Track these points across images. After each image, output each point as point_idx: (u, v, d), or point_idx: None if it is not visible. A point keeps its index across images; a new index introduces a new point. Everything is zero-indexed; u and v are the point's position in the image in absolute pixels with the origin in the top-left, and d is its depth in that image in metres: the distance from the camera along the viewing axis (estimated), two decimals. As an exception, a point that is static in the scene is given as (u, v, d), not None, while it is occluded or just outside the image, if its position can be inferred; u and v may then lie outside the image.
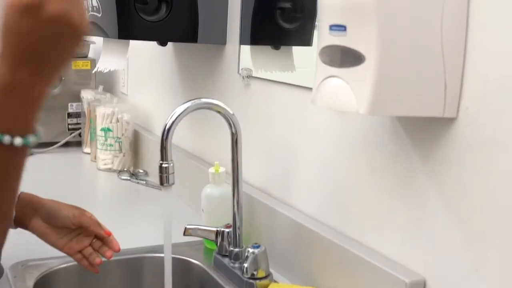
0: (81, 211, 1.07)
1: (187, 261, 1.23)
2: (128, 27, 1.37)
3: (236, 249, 1.14)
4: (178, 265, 1.22)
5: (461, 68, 0.80)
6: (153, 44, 1.55)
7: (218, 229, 1.18)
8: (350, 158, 1.03)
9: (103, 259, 1.08)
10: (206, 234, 1.19)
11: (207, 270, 1.19)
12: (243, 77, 1.36)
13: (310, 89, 1.09)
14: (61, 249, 1.06)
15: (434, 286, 0.86)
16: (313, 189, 1.13)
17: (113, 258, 1.10)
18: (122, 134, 1.92)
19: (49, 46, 0.60)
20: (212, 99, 1.12)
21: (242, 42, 1.39)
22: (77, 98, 2.20)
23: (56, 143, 2.18)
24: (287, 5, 1.27)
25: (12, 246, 0.86)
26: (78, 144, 2.23)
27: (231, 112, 1.11)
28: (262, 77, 1.30)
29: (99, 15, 1.43)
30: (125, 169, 1.91)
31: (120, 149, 1.92)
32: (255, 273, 1.07)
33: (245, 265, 1.05)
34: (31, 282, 1.09)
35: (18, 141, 0.61)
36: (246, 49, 1.38)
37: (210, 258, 1.22)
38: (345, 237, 1.03)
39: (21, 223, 1.06)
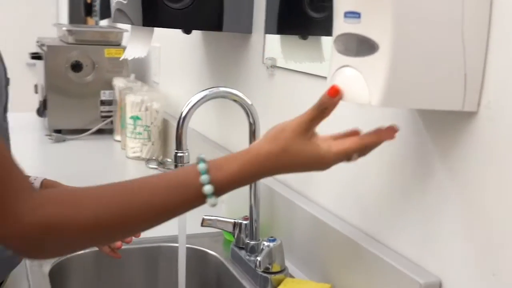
0: None
1: (204, 252, 1.22)
2: (152, 14, 1.36)
3: (252, 242, 1.12)
4: (195, 256, 1.21)
5: (483, 59, 0.76)
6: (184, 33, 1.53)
7: (235, 220, 1.17)
8: (373, 152, 1.00)
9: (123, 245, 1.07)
10: (223, 226, 1.18)
11: (224, 262, 1.18)
12: (267, 66, 1.33)
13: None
14: None
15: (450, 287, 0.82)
16: (333, 184, 1.10)
17: (130, 246, 1.09)
18: (151, 123, 1.92)
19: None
20: (231, 88, 1.10)
21: (267, 31, 1.36)
22: (110, 86, 2.21)
23: (89, 130, 2.19)
24: (316, -7, 1.24)
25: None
26: (110, 131, 2.24)
27: (249, 101, 1.08)
28: (286, 67, 1.27)
29: (125, 2, 1.42)
30: (154, 157, 1.91)
31: (149, 138, 1.92)
32: (269, 266, 1.05)
33: (259, 258, 1.03)
34: (47, 268, 1.10)
35: (213, 201, 0.71)
36: (271, 38, 1.35)
37: (228, 250, 1.20)
38: (363, 234, 1.00)
39: None
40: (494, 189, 0.75)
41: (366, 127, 0.99)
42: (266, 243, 1.05)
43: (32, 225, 0.64)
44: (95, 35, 2.26)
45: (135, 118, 1.91)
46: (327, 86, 0.83)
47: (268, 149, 0.75)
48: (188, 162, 1.02)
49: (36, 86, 2.44)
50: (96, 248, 1.10)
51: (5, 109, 1.03)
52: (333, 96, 0.76)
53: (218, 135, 1.65)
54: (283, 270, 1.07)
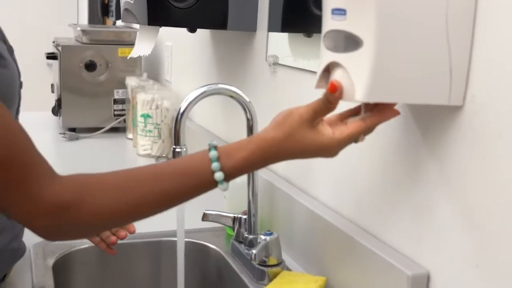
0: None
1: (205, 246, 1.24)
2: (157, 13, 1.38)
3: (251, 236, 1.14)
4: (196, 250, 1.23)
5: (468, 54, 0.77)
6: (196, 31, 1.56)
7: (235, 215, 1.19)
8: (365, 147, 1.01)
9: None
10: (224, 220, 1.20)
11: (224, 256, 1.20)
12: (269, 64, 1.35)
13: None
14: None
15: (438, 279, 0.83)
16: (330, 178, 1.12)
17: (133, 241, 1.12)
18: (162, 121, 1.95)
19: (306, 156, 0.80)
20: (236, 85, 1.12)
21: (271, 29, 1.38)
22: (123, 85, 2.25)
23: (102, 128, 2.23)
24: (321, -8, 1.25)
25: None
26: (123, 130, 2.27)
27: (247, 98, 1.10)
28: (289, 64, 1.29)
29: (132, 2, 1.45)
30: (164, 155, 1.94)
31: (159, 135, 1.95)
32: (266, 260, 1.07)
33: (254, 251, 1.04)
34: (51, 261, 1.13)
35: (224, 186, 0.75)
36: (274, 36, 1.37)
37: (229, 244, 1.22)
38: (357, 228, 1.01)
39: None
40: (479, 182, 0.76)
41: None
42: (263, 237, 1.07)
43: (52, 207, 0.68)
44: (109, 35, 2.30)
45: (146, 116, 1.94)
46: (316, 82, 0.84)
47: (273, 134, 0.78)
48: (187, 157, 1.04)
49: (52, 85, 2.49)
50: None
51: (17, 111, 1.06)
52: (333, 92, 0.78)
53: (224, 131, 1.67)
54: (280, 263, 1.08)
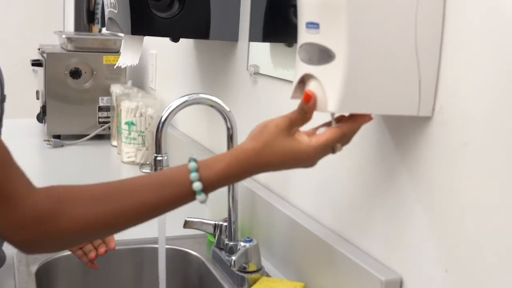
0: None
1: (186, 253, 1.26)
2: (141, 23, 1.40)
3: (231, 243, 1.16)
4: (178, 256, 1.25)
5: (436, 66, 0.80)
6: (180, 40, 1.58)
7: (216, 222, 1.21)
8: (341, 157, 1.03)
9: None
10: (205, 227, 1.22)
11: (205, 263, 1.22)
12: (250, 73, 1.37)
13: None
14: None
15: (410, 284, 0.86)
16: (309, 187, 1.14)
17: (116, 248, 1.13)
18: (146, 128, 1.97)
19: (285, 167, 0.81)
20: (217, 94, 1.14)
21: (252, 39, 1.40)
22: (108, 92, 2.26)
23: (87, 135, 2.25)
24: (301, 2, 1.27)
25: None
26: (108, 137, 2.29)
27: (227, 108, 1.13)
28: (269, 74, 1.32)
29: (116, 11, 1.47)
30: (148, 162, 1.96)
31: (144, 143, 1.97)
32: (246, 266, 1.09)
33: (233, 258, 1.06)
34: (34, 268, 1.14)
35: (202, 197, 0.76)
36: (255, 46, 1.39)
37: (210, 251, 1.24)
38: (334, 235, 1.04)
39: None
40: (446, 189, 0.79)
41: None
42: (242, 244, 1.09)
43: (30, 219, 0.69)
44: (94, 43, 2.32)
45: (130, 124, 1.96)
46: (291, 93, 0.87)
47: (252, 145, 0.79)
48: (168, 166, 1.06)
49: (37, 92, 2.50)
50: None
51: (0, 124, 1.07)
52: (308, 101, 0.80)
53: (207, 139, 1.69)
54: (259, 269, 1.11)
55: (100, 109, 2.29)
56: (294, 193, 1.20)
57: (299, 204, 1.17)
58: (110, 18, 1.54)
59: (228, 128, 1.13)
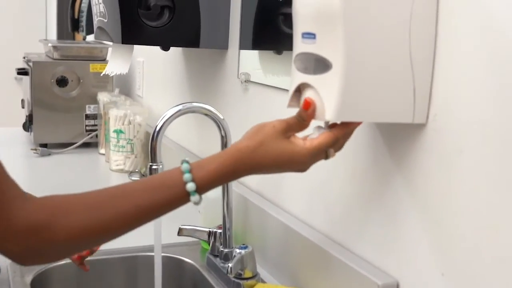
0: None
1: (181, 260, 1.27)
2: (131, 32, 1.41)
3: (226, 250, 1.17)
4: (172, 264, 1.26)
5: (430, 75, 0.82)
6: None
7: (210, 229, 1.22)
8: (335, 162, 1.05)
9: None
10: (199, 235, 1.23)
11: (199, 270, 1.23)
12: (241, 81, 1.39)
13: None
14: None
15: (406, 289, 0.88)
16: (302, 193, 1.16)
17: (109, 257, 1.13)
18: (134, 136, 1.97)
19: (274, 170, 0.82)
20: (205, 103, 1.15)
21: (242, 47, 1.42)
22: (94, 100, 2.26)
23: (74, 143, 2.24)
24: (290, 10, 1.29)
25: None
26: (95, 145, 2.28)
27: (220, 116, 1.14)
28: (260, 82, 1.33)
29: (105, 20, 1.48)
30: (137, 170, 1.96)
31: (132, 151, 1.97)
32: (241, 272, 1.10)
33: (230, 265, 1.07)
34: (29, 278, 1.14)
35: (196, 198, 0.75)
36: (246, 54, 1.40)
37: (205, 258, 1.25)
38: (329, 240, 1.05)
39: None
40: (442, 194, 0.81)
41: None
42: (238, 250, 1.10)
43: (25, 230, 0.68)
44: (80, 51, 2.32)
45: (118, 132, 1.96)
46: (288, 102, 0.88)
47: (246, 143, 0.79)
48: (163, 174, 1.07)
49: (22, 101, 2.49)
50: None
51: None
52: (307, 109, 0.81)
53: (198, 147, 1.70)
54: (255, 275, 1.12)
55: (87, 117, 2.29)
56: (287, 199, 1.21)
57: (292, 209, 1.19)
58: (99, 27, 1.55)
59: (222, 136, 1.14)
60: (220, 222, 1.23)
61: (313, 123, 0.83)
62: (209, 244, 1.22)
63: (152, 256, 1.24)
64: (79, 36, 3.21)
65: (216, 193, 1.30)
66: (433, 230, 0.82)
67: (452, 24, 0.79)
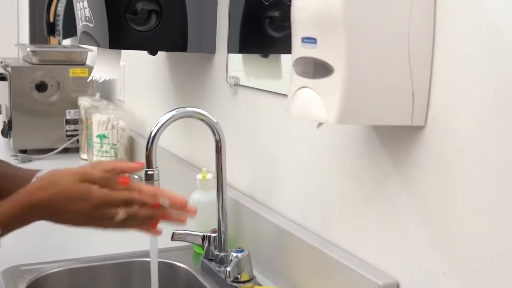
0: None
1: (174, 265, 1.26)
2: (118, 37, 1.40)
3: (221, 254, 1.18)
4: (166, 269, 1.25)
5: (428, 79, 0.84)
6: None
7: (204, 234, 1.22)
8: (330, 165, 1.07)
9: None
10: (193, 239, 1.23)
11: (194, 274, 1.23)
12: (230, 85, 1.39)
13: (293, 97, 1.13)
14: None
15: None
16: (296, 195, 1.17)
17: (103, 263, 1.13)
18: (118, 141, 1.96)
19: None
20: (197, 107, 1.16)
21: (230, 50, 1.42)
22: (75, 105, 2.24)
23: (54, 149, 2.22)
24: (276, 14, 1.30)
25: (4, 251, 0.90)
26: (76, 150, 2.26)
27: (214, 120, 1.14)
28: (249, 85, 1.34)
29: (91, 25, 1.47)
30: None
31: (116, 156, 1.96)
32: (238, 276, 1.10)
33: (228, 269, 1.08)
34: (22, 286, 1.13)
35: None
36: (235, 57, 1.41)
37: (198, 262, 1.25)
38: (325, 241, 1.06)
39: None
40: (441, 195, 0.83)
41: (327, 141, 1.06)
42: (234, 254, 1.11)
43: None
44: (59, 55, 2.29)
45: (102, 137, 1.95)
46: (287, 106, 0.89)
47: (38, 183, 0.84)
48: (158, 180, 1.07)
49: (0, 106, 2.45)
50: (71, 266, 1.14)
51: None
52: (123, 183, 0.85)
53: (184, 152, 1.70)
54: (251, 279, 1.12)
55: (68, 122, 2.27)
56: (280, 202, 1.22)
57: (285, 212, 1.20)
58: (84, 32, 1.53)
59: (216, 141, 1.15)
60: (212, 226, 1.24)
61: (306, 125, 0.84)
62: (203, 249, 1.22)
63: (146, 262, 1.24)
64: (54, 40, 3.17)
65: (207, 197, 1.31)
66: (433, 230, 0.84)
67: (449, 25, 0.81)
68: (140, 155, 1.98)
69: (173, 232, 1.22)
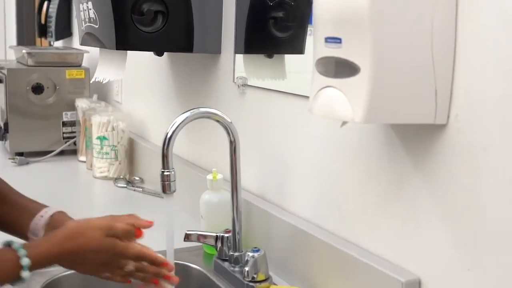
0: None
1: (187, 266, 1.26)
2: (125, 38, 1.40)
3: (236, 253, 1.18)
4: (178, 270, 1.24)
5: (450, 77, 0.85)
6: (148, 53, 1.58)
7: (218, 234, 1.22)
8: (345, 164, 1.07)
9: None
10: (206, 240, 1.23)
11: (207, 275, 1.23)
12: (238, 85, 1.39)
13: (304, 96, 1.14)
14: None
15: (429, 285, 0.90)
16: (309, 194, 1.17)
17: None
18: (118, 142, 1.95)
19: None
20: (210, 108, 1.16)
21: (237, 51, 1.42)
22: (72, 107, 2.23)
23: (51, 151, 2.20)
24: (280, 14, 1.31)
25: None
26: (73, 152, 2.25)
27: (229, 120, 1.14)
28: (258, 85, 1.34)
29: (96, 26, 1.46)
30: (121, 176, 1.94)
31: (116, 157, 1.95)
32: (255, 276, 1.11)
33: (246, 268, 1.08)
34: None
35: (26, 273, 0.85)
36: (241, 58, 1.41)
37: (210, 262, 1.25)
38: (341, 239, 1.07)
39: None
40: (464, 193, 0.84)
41: (341, 140, 1.07)
42: (251, 254, 1.11)
43: None
44: (54, 57, 2.28)
45: (102, 138, 1.94)
46: (310, 106, 0.90)
47: (67, 230, 0.92)
48: (174, 181, 1.07)
49: (-6, 109, 2.43)
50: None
51: None
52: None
53: (187, 153, 1.70)
54: (267, 278, 1.12)
55: (64, 124, 2.25)
56: (293, 201, 1.22)
57: (299, 211, 1.20)
58: (88, 33, 1.53)
59: (231, 142, 1.15)
60: (222, 227, 1.24)
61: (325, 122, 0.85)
62: (216, 249, 1.22)
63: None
64: (44, 41, 3.14)
65: (218, 197, 1.31)
66: (457, 227, 0.85)
67: (471, 21, 0.82)
68: (140, 156, 1.97)
69: (186, 233, 1.22)
